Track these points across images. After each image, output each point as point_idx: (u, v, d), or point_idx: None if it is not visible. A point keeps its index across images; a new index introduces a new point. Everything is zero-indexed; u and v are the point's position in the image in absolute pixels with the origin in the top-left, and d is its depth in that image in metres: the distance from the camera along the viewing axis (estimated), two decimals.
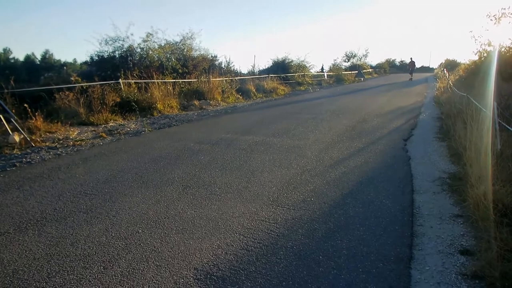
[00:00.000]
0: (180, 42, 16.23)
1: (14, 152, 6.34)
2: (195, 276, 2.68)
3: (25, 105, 7.75)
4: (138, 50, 14.10)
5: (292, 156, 6.03)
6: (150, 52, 14.32)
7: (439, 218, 3.75)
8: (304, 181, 4.82)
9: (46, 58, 45.29)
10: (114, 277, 2.66)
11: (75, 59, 39.86)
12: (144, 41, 14.19)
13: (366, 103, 14.28)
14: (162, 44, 15.19)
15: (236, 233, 3.36)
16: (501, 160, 4.68)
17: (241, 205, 4.00)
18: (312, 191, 4.45)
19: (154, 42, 14.64)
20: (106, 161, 5.79)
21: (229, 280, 2.64)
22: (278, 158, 5.88)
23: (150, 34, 14.38)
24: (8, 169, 5.44)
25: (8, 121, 6.78)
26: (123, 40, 13.69)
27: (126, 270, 2.75)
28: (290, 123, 9.31)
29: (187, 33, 16.57)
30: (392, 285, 2.61)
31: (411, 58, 38.03)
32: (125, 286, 2.56)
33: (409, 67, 35.62)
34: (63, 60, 42.57)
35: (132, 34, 14.30)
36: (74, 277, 2.67)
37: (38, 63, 43.23)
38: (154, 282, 2.61)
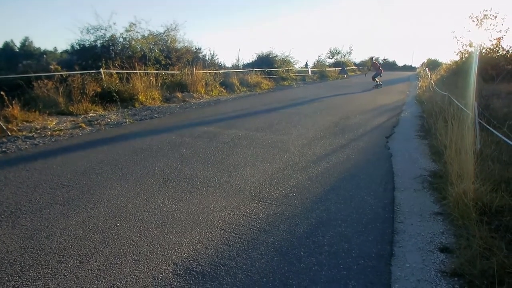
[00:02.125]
0: (164, 33, 16.00)
1: None
2: (174, 271, 2.63)
3: (1, 92, 7.52)
4: (121, 40, 13.84)
5: (275, 150, 6.00)
6: (133, 43, 14.06)
7: (420, 216, 3.77)
8: (287, 176, 4.80)
9: (26, 45, 44.19)
10: (90, 272, 2.58)
11: (55, 47, 38.99)
12: (127, 31, 13.94)
13: (349, 100, 14.35)
14: (146, 35, 14.95)
15: (217, 228, 3.31)
16: (481, 159, 4.75)
17: (223, 200, 3.95)
18: (294, 186, 4.43)
19: (137, 32, 14.41)
20: (84, 152, 5.66)
21: (209, 275, 2.60)
22: (261, 153, 5.84)
23: (133, 24, 14.14)
24: None
25: None
26: (105, 29, 13.41)
27: (103, 265, 2.67)
28: (273, 118, 9.27)
29: (171, 24, 16.33)
30: (373, 281, 2.61)
31: (371, 58, 28.04)
32: (102, 281, 2.49)
33: (369, 69, 27.02)
34: (43, 48, 41.63)
35: (114, 24, 14.11)
36: (49, 271, 2.58)
37: (17, 50, 42.09)
38: (132, 277, 2.55)
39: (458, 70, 17.16)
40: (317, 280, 2.59)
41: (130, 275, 2.57)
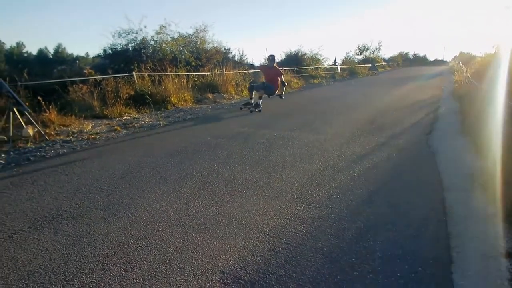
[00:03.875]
0: (193, 34, 16.03)
1: (28, 145, 6.23)
2: (221, 280, 2.51)
3: (39, 97, 7.64)
4: (151, 42, 13.93)
5: (312, 150, 5.83)
6: (163, 45, 14.13)
7: (475, 218, 3.53)
8: (328, 177, 4.62)
9: (59, 52, 45.42)
10: (135, 280, 2.50)
11: (87, 53, 39.77)
12: (157, 33, 14.02)
13: (383, 96, 13.97)
14: (175, 37, 15.01)
15: (262, 233, 3.18)
16: None
17: (264, 203, 3.82)
18: (337, 188, 4.25)
19: (167, 34, 14.47)
20: (121, 155, 5.65)
21: (258, 284, 2.47)
22: (298, 153, 5.68)
23: (163, 26, 14.20)
24: (22, 163, 5.32)
25: (22, 114, 6.66)
26: (136, 33, 13.52)
27: (147, 273, 2.58)
28: (307, 117, 9.08)
29: (200, 26, 16.34)
30: None
31: (269, 56, 11.26)
32: None
33: (264, 74, 11.30)
34: (75, 54, 42.63)
35: (145, 27, 14.14)
36: (93, 280, 2.51)
37: (51, 57, 43.35)
38: (178, 286, 2.44)
39: (496, 64, 16.45)
40: None
41: (176, 284, 2.47)
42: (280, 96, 11.23)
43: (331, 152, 5.71)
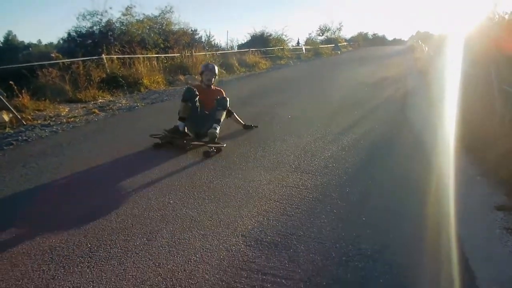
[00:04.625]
0: (159, 16, 15.71)
1: (7, 131, 6.00)
2: (245, 243, 2.59)
3: (10, 82, 7.33)
4: (118, 24, 13.57)
5: (298, 125, 5.96)
6: (130, 27, 13.79)
7: (464, 179, 3.77)
8: (320, 148, 4.77)
9: (9, 39, 43.15)
10: (161, 248, 2.54)
11: (39, 39, 37.96)
12: (124, 15, 13.66)
13: (352, 75, 14.26)
14: (141, 19, 14.66)
15: (271, 200, 3.28)
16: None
17: (265, 173, 3.92)
18: (330, 157, 4.41)
19: (133, 16, 14.11)
20: (107, 136, 5.57)
21: (281, 245, 2.57)
22: (285, 128, 5.80)
23: (130, 7, 13.84)
24: (5, 147, 5.13)
25: None
26: (101, 15, 13.13)
27: (171, 241, 2.63)
28: (284, 95, 9.18)
29: (166, 7, 16.02)
30: (444, 244, 2.61)
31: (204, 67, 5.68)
32: (176, 256, 2.44)
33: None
34: (26, 41, 40.61)
35: (110, 8, 13.74)
36: (119, 250, 2.53)
37: (1, 45, 41.12)
38: (205, 250, 2.51)
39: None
40: (390, 243, 2.58)
41: (203, 248, 2.53)
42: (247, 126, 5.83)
43: (317, 126, 5.86)
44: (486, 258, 2.47)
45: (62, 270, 2.31)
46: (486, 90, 5.61)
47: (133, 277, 2.24)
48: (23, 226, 2.89)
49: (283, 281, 2.20)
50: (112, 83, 10.02)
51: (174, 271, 2.30)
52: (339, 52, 33.71)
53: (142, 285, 2.17)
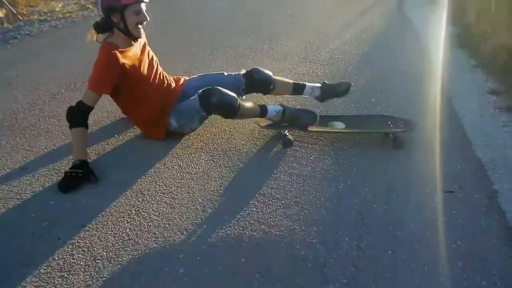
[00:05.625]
0: None
1: (5, 26, 5.92)
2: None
3: None
4: None
5: (299, 20, 6.04)
6: None
7: (460, 69, 4.09)
8: (323, 41, 4.95)
9: None
10: None
11: None
12: None
13: None
14: None
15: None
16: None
17: (276, 62, 4.15)
18: (336, 50, 4.62)
19: None
20: None
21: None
22: (287, 22, 5.90)
23: None
24: (10, 41, 5.15)
25: None
26: None
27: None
28: None
29: None
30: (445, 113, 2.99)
31: None
32: None
33: None
34: None
35: None
36: None
37: None
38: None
39: None
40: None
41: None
42: None
43: (317, 21, 5.96)
44: (480, 129, 2.86)
45: None
46: None
47: None
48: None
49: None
50: None
51: None
52: None
53: None
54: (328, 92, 2.89)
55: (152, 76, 2.52)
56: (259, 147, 2.47)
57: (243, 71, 2.74)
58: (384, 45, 4.86)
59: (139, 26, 2.33)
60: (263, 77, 2.69)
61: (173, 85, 2.68)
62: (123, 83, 2.36)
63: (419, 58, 4.29)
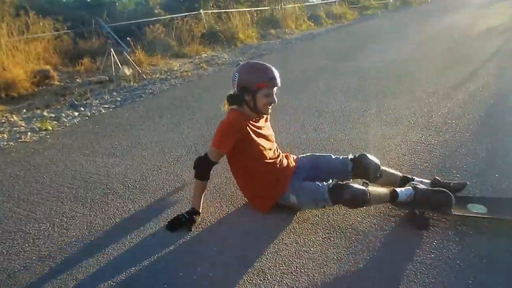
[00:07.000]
0: None
1: (132, 84, 6.68)
2: None
3: (128, 38, 8.00)
4: None
5: (406, 80, 5.95)
6: None
7: None
8: (435, 104, 4.81)
9: None
10: None
11: None
12: None
13: (449, 26, 13.30)
14: None
15: (399, 154, 3.47)
16: None
17: (386, 127, 4.10)
18: (448, 114, 4.44)
19: None
20: (222, 89, 5.98)
21: None
22: (393, 83, 5.84)
23: None
24: (137, 99, 5.78)
25: (117, 55, 7.06)
26: None
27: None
28: (385, 46, 9.03)
29: None
30: None
31: None
32: None
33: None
34: None
35: None
36: None
37: (89, 1, 43.08)
38: None
39: None
40: None
41: None
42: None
43: (425, 81, 5.83)
44: None
45: None
46: None
47: None
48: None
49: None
50: (211, 38, 10.46)
51: None
52: (429, 0, 31.33)
53: None
54: None
55: (268, 149, 2.62)
56: (376, 226, 2.39)
57: (350, 156, 2.74)
58: (503, 109, 4.55)
59: (269, 106, 2.50)
60: (371, 165, 2.64)
61: (285, 161, 2.73)
62: (241, 150, 2.51)
63: None
